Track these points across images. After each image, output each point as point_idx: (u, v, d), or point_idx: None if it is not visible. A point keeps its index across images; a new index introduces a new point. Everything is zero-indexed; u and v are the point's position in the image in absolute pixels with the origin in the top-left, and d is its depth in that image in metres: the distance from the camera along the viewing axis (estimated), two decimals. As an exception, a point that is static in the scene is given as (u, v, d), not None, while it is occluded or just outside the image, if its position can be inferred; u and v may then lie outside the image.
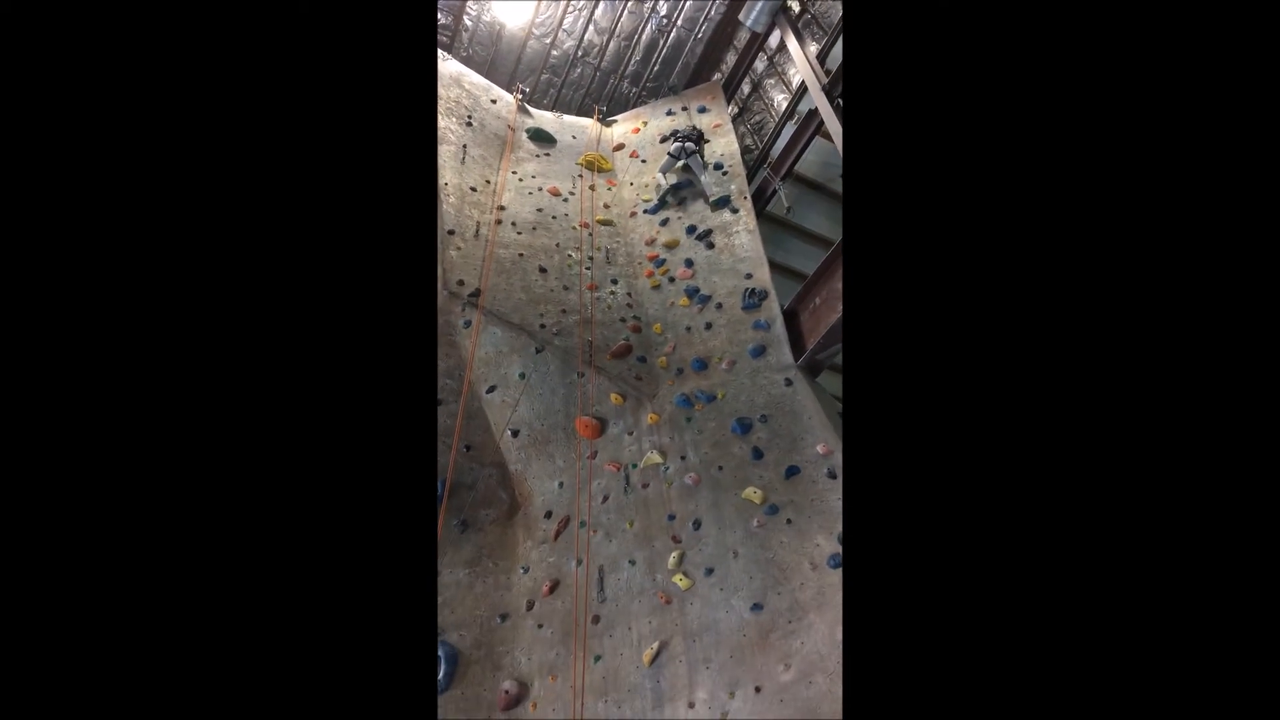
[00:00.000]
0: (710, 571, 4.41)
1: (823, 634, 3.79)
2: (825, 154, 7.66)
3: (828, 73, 6.56)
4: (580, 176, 7.51)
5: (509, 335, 5.63)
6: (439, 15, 8.55)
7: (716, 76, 9.11)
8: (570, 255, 6.42)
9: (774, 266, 6.37)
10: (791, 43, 7.28)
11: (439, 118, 6.90)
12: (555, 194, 7.08)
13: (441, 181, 6.31)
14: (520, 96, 8.24)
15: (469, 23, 8.78)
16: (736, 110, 8.67)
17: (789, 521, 4.36)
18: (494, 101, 7.96)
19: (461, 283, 5.67)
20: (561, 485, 5.35)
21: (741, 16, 7.99)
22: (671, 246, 6.62)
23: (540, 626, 4.77)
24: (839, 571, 3.96)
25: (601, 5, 8.79)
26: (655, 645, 4.28)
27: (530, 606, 4.91)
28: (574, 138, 8.19)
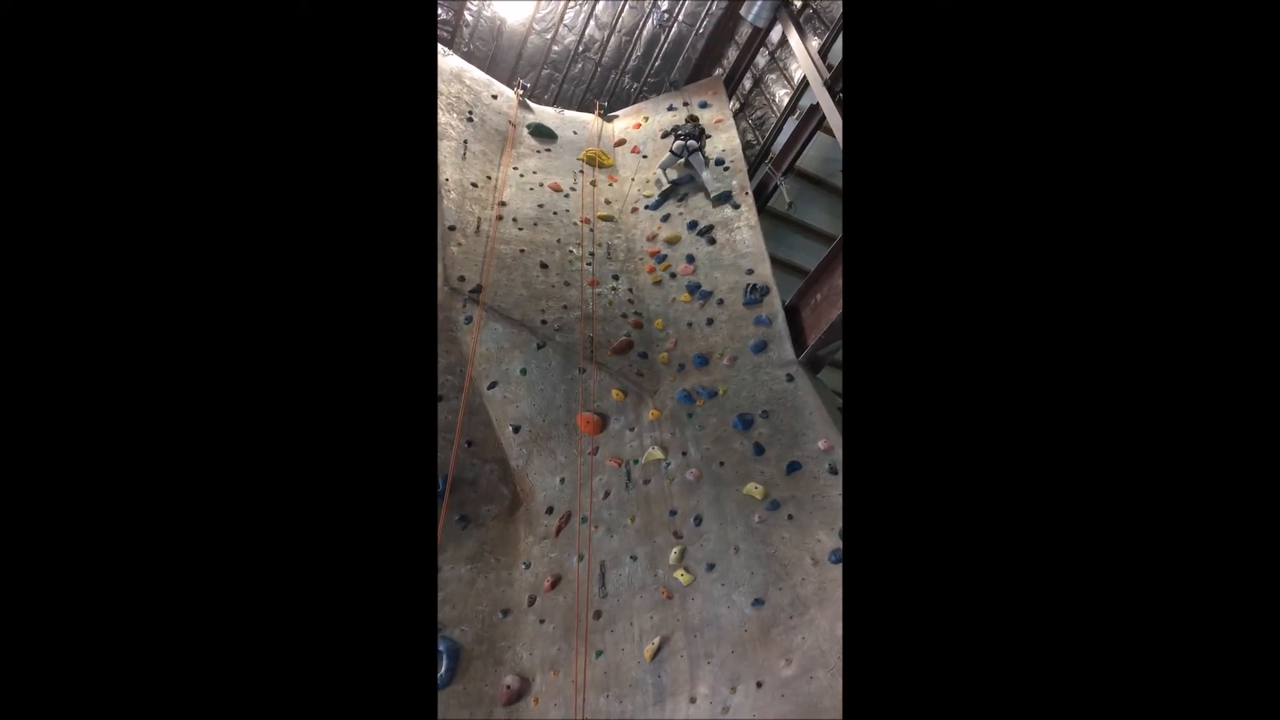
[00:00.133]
0: (712, 567, 4.41)
1: (824, 629, 3.79)
2: (827, 149, 7.62)
3: (830, 68, 6.54)
4: (581, 172, 7.50)
5: (510, 331, 5.63)
6: (440, 10, 8.53)
7: (718, 72, 9.08)
8: (571, 251, 6.42)
9: (775, 262, 6.36)
10: (793, 37, 7.26)
11: (440, 113, 6.89)
12: (556, 190, 7.07)
13: (443, 177, 6.30)
14: (521, 92, 8.23)
15: (470, 18, 8.76)
16: (738, 105, 8.64)
17: (790, 517, 4.37)
18: (495, 97, 7.95)
19: (463, 279, 5.67)
20: (563, 481, 5.36)
21: (743, 11, 7.96)
22: (673, 242, 6.61)
23: (542, 622, 4.78)
24: (840, 567, 3.96)
25: (602, 1, 8.76)
26: (657, 640, 4.29)
27: (532, 602, 4.92)
28: (575, 133, 8.18)
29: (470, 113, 7.37)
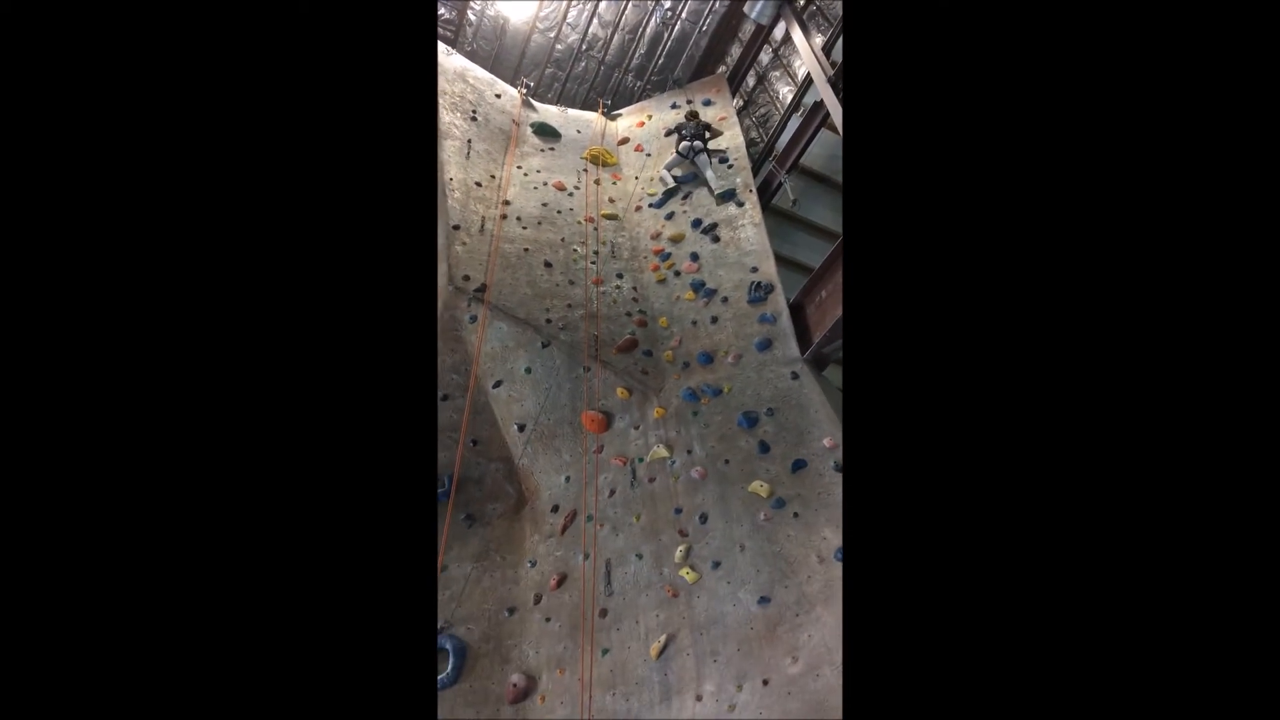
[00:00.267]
0: (717, 565, 4.41)
1: (830, 627, 3.79)
2: (831, 146, 7.60)
3: (833, 65, 6.52)
4: (585, 171, 7.49)
5: (515, 330, 5.63)
6: (443, 10, 8.54)
7: (721, 69, 9.06)
8: (575, 250, 6.42)
9: (780, 260, 6.34)
10: (797, 35, 7.24)
11: (444, 113, 6.90)
12: (560, 188, 7.07)
13: (446, 176, 6.31)
14: (525, 91, 8.23)
15: (473, 17, 8.76)
16: (741, 103, 8.63)
17: (796, 515, 4.36)
18: (498, 96, 7.95)
19: (467, 278, 5.68)
20: (568, 479, 5.36)
21: (746, 9, 7.94)
22: (677, 240, 6.61)
23: (548, 620, 4.79)
24: (846, 564, 3.95)
25: (605, -1, 8.77)
26: (663, 638, 4.29)
27: (538, 600, 4.93)
28: (579, 132, 8.17)
29: (474, 112, 7.37)
